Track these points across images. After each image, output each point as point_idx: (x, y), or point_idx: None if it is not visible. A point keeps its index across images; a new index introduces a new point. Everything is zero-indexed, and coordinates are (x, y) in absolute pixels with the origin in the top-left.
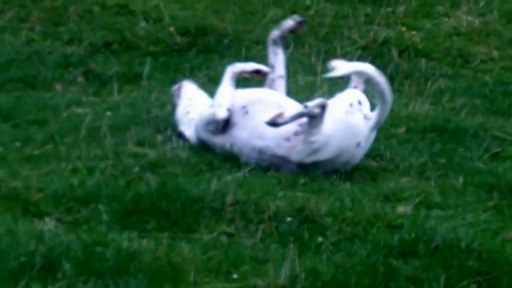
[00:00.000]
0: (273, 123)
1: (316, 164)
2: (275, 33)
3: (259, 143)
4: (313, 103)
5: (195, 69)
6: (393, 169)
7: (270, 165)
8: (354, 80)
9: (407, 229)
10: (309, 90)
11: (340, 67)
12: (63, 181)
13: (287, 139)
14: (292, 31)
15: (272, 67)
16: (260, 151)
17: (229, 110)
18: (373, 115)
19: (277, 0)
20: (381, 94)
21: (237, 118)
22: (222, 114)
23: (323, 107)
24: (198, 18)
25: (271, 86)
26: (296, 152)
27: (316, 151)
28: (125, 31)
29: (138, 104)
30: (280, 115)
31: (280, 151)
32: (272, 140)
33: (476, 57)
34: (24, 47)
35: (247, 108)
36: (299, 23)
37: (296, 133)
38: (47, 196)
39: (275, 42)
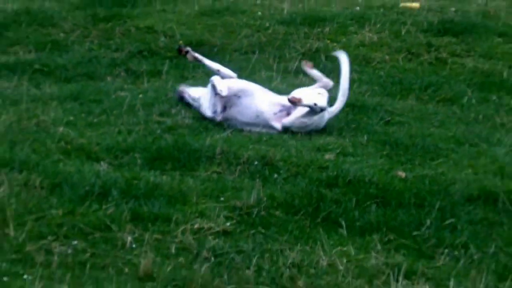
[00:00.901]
0: (293, 102)
1: (300, 128)
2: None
3: (257, 114)
4: (321, 104)
5: (196, 67)
6: (322, 131)
7: (260, 126)
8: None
9: (331, 169)
10: (268, 82)
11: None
12: (112, 139)
13: (273, 115)
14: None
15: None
16: (258, 117)
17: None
18: (335, 106)
19: (248, 23)
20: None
21: (232, 102)
22: (225, 92)
23: (322, 110)
24: (197, 35)
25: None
26: (291, 122)
27: (305, 127)
28: (151, 43)
29: (160, 90)
30: (299, 99)
31: (269, 120)
32: (266, 113)
33: (374, 60)
34: (86, 53)
35: (239, 94)
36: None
37: (275, 113)
38: (102, 148)
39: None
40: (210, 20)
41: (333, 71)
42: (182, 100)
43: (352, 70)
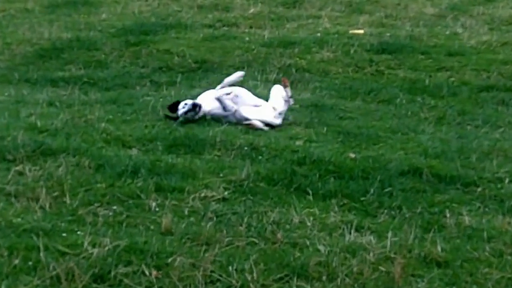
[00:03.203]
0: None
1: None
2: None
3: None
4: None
5: (201, 79)
6: (293, 124)
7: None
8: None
9: (301, 152)
10: (254, 89)
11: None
12: (140, 131)
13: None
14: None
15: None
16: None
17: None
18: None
19: (239, 46)
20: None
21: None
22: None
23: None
24: (202, 55)
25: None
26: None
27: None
28: (168, 61)
29: (175, 96)
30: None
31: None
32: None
33: (332, 72)
34: (121, 69)
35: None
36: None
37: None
38: (133, 138)
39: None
40: (211, 44)
41: (301, 81)
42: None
43: (315, 80)
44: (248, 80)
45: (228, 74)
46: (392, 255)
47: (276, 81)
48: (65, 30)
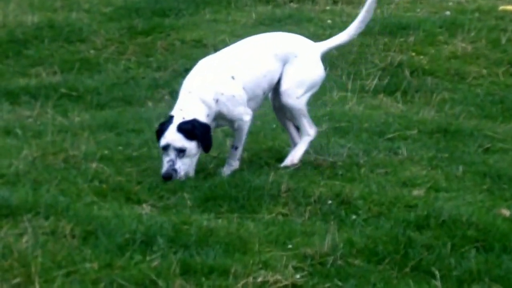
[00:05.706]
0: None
1: None
2: None
3: None
4: None
5: None
6: (408, 162)
7: None
8: None
9: (421, 208)
10: (341, 103)
11: None
12: (156, 176)
13: None
14: None
15: None
16: None
17: None
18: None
19: (316, 33)
20: None
21: None
22: None
23: None
24: None
25: None
26: None
27: None
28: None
29: None
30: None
31: None
32: None
33: (470, 74)
34: (123, 73)
35: None
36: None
37: None
38: (144, 187)
39: None
40: (269, 30)
41: (419, 90)
42: None
43: (442, 89)
44: (332, 89)
45: None
46: None
47: (379, 90)
48: (30, 10)
